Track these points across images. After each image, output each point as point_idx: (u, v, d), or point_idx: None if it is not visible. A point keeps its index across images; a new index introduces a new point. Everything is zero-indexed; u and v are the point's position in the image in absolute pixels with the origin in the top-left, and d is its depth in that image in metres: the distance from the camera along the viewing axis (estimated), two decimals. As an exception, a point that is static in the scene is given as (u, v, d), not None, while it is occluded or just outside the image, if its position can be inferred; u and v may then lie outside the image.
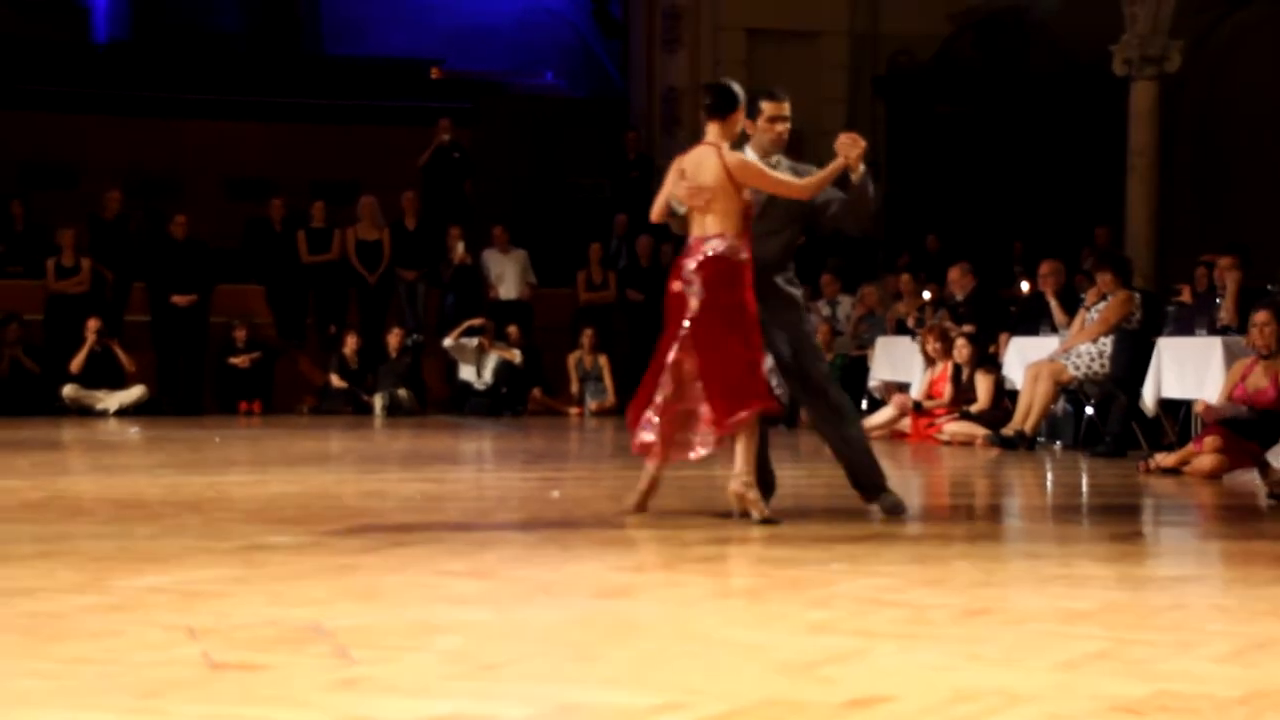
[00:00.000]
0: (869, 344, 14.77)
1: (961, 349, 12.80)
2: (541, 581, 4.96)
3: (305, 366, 16.73)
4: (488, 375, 16.33)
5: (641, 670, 3.54)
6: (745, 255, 6.49)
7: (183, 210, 16.83)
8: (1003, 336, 13.04)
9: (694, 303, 6.44)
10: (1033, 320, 12.94)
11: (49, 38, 20.81)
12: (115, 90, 19.70)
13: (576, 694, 3.30)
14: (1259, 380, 9.54)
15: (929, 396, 12.96)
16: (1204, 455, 9.29)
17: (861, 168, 6.62)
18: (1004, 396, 12.47)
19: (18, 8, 21.36)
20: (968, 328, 13.25)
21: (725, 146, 6.52)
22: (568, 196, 19.37)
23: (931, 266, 15.97)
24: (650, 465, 6.66)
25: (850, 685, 3.35)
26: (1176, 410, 11.14)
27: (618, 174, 19.29)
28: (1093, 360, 11.49)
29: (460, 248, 16.95)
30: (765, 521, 6.31)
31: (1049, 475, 9.98)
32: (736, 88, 6.64)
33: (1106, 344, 11.47)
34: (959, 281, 14.04)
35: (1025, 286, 13.88)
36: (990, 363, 12.79)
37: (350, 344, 16.22)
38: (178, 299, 16.04)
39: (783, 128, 6.76)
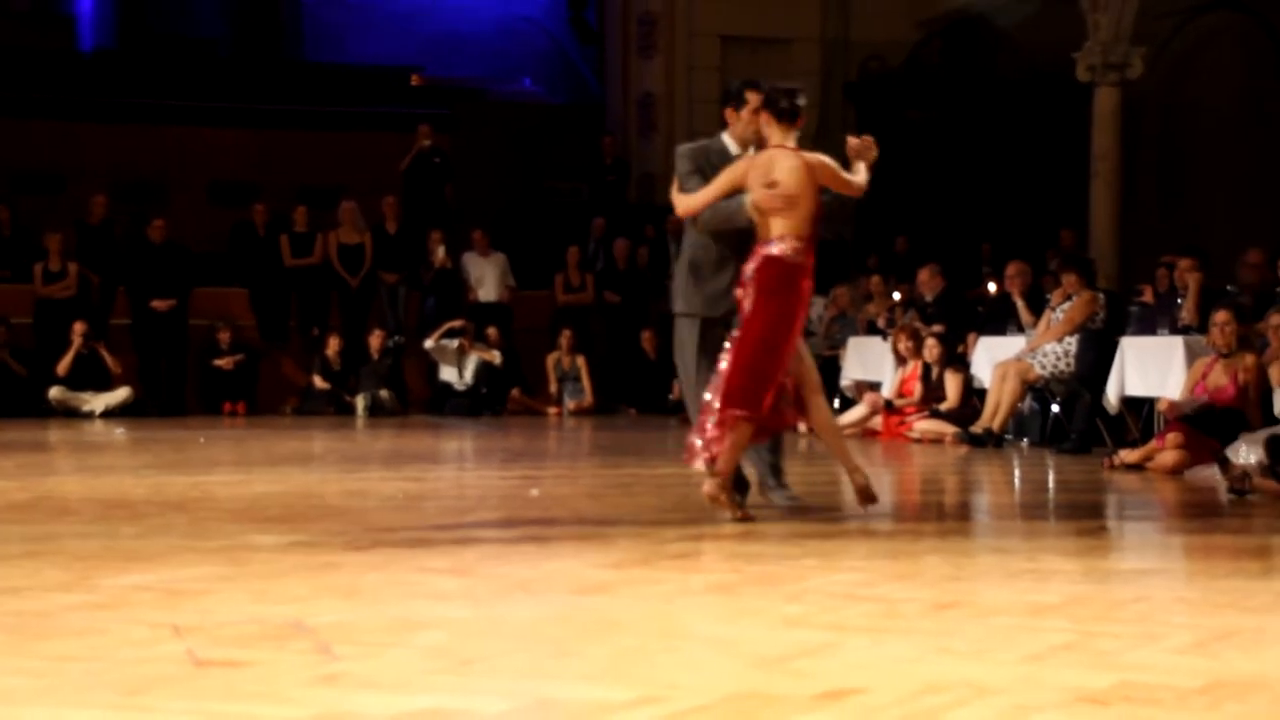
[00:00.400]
0: (841, 344, 14.79)
1: (931, 348, 12.82)
2: (520, 578, 4.95)
3: (288, 368, 16.70)
4: (468, 376, 16.32)
5: (618, 665, 3.54)
6: (804, 259, 6.38)
7: (167, 215, 16.80)
8: (971, 336, 13.07)
9: (746, 305, 6.38)
10: (1000, 320, 12.97)
11: (36, 46, 20.73)
12: (101, 97, 19.63)
13: (555, 689, 3.29)
14: (1219, 378, 9.58)
15: (900, 395, 12.98)
16: (1166, 452, 9.32)
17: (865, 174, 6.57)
18: (972, 395, 12.50)
19: (5, 17, 21.29)
20: (937, 328, 13.27)
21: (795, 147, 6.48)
22: (546, 200, 19.37)
23: (901, 268, 16.00)
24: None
25: (822, 678, 3.35)
26: (1139, 408, 11.17)
27: (595, 178, 19.30)
28: (1058, 359, 11.52)
29: (441, 251, 16.93)
30: (742, 520, 6.30)
31: (1016, 472, 10.00)
32: (803, 98, 6.57)
33: (1071, 343, 11.50)
34: (928, 283, 14.07)
35: (993, 287, 13.92)
36: (959, 362, 12.82)
37: (332, 346, 16.19)
38: (156, 304, 15.99)
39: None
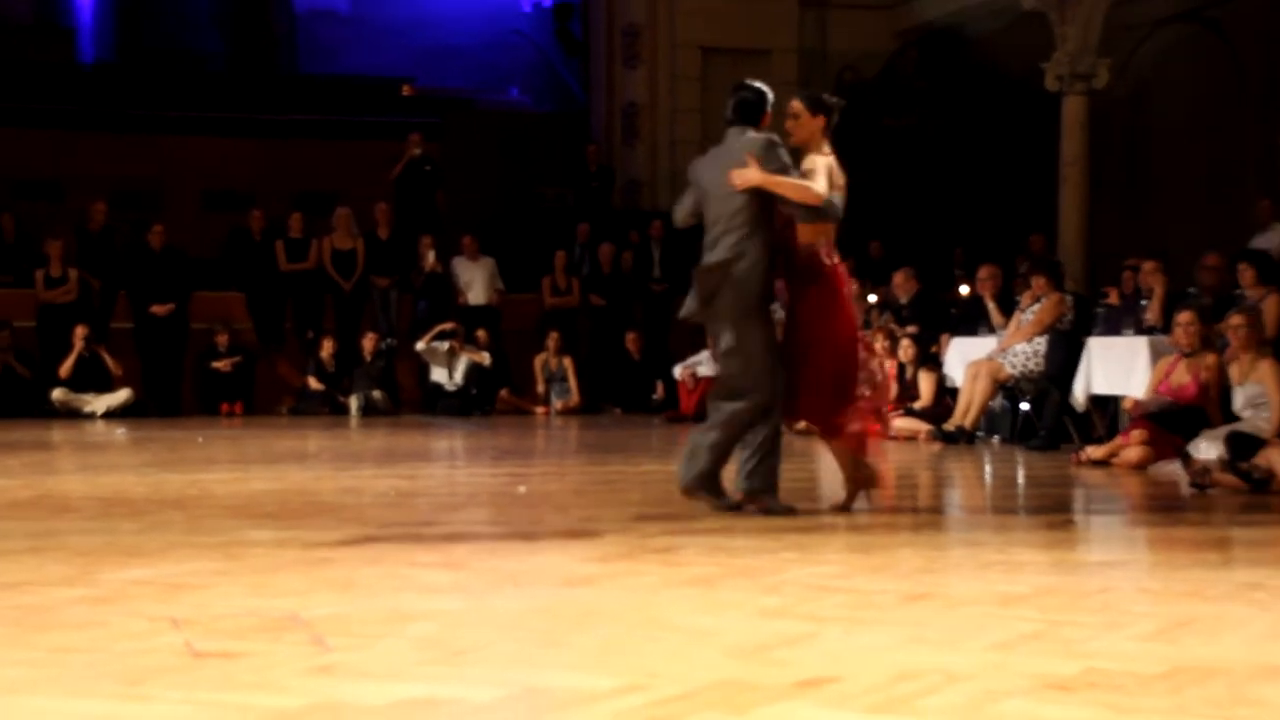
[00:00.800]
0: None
1: (906, 349, 12.85)
2: (509, 572, 4.96)
3: (284, 369, 16.67)
4: (458, 377, 16.31)
5: (603, 655, 3.55)
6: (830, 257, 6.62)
7: (166, 221, 16.77)
8: (944, 337, 13.09)
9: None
10: (972, 321, 13.00)
11: (38, 59, 20.69)
12: (101, 108, 19.60)
13: (542, 678, 3.30)
14: (1182, 377, 9.61)
15: (875, 394, 12.98)
16: (1131, 448, 9.35)
17: None
18: (945, 394, 12.52)
19: (7, 31, 21.24)
20: (911, 329, 13.30)
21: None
22: (533, 207, 19.35)
23: (877, 272, 16.01)
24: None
25: (799, 667, 3.36)
26: (1106, 405, 11.20)
27: (580, 185, 19.28)
28: (1028, 359, 11.55)
29: (431, 257, 16.92)
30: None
31: (987, 468, 10.02)
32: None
33: (1040, 343, 11.52)
34: (903, 285, 14.10)
35: (965, 290, 13.94)
36: (932, 362, 12.84)
37: (327, 348, 16.17)
38: (156, 309, 15.97)
39: None
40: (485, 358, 16.38)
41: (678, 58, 20.22)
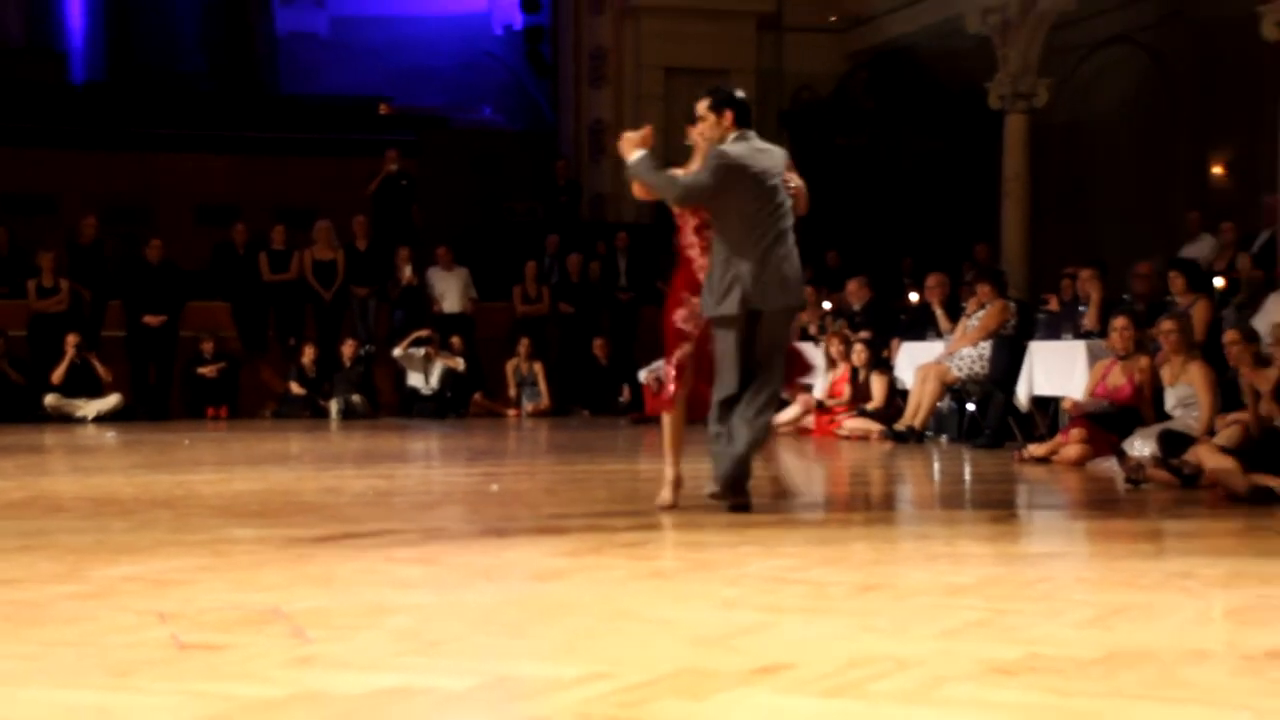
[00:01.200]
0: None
1: (859, 353, 12.88)
2: (481, 566, 4.94)
3: (267, 375, 16.59)
4: (434, 381, 16.27)
5: (571, 645, 3.54)
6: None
7: (153, 235, 16.69)
8: (895, 342, 13.13)
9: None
10: (921, 327, 13.04)
11: (31, 79, 20.57)
12: (92, 127, 19.50)
13: (512, 667, 3.29)
14: (1117, 378, 9.66)
15: (830, 396, 13.03)
16: (1070, 445, 9.40)
17: (633, 159, 6.54)
18: (896, 395, 12.56)
19: (1, 53, 21.11)
20: (864, 334, 13.33)
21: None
22: (504, 219, 19.33)
23: (832, 280, 16.05)
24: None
25: (757, 655, 3.35)
26: (1047, 406, 11.25)
27: (549, 199, 19.28)
28: (973, 362, 11.59)
29: (408, 271, 16.90)
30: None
31: (936, 465, 10.04)
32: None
33: (985, 348, 11.57)
34: (856, 293, 14.14)
35: (914, 297, 13.98)
36: (884, 365, 12.87)
37: (308, 354, 16.11)
38: (149, 319, 15.90)
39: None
40: (459, 363, 16.35)
41: (642, 78, 20.23)
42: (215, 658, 3.35)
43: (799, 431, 12.85)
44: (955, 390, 11.91)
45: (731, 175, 6.27)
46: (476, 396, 16.57)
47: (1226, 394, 8.82)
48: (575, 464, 9.95)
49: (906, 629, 3.69)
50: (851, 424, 12.42)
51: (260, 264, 16.75)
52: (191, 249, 17.32)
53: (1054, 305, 12.63)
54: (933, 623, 3.75)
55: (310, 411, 15.83)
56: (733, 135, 6.39)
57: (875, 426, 12.09)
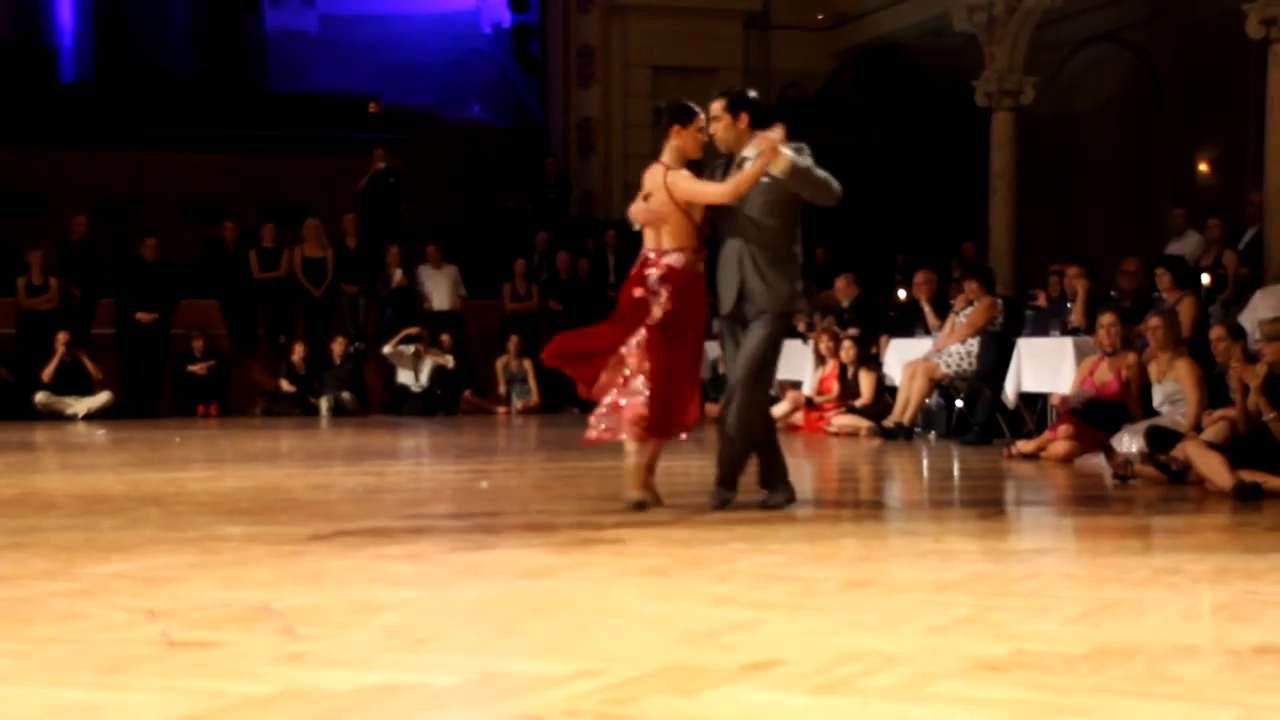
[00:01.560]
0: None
1: (847, 350, 12.88)
2: (470, 563, 4.94)
3: (257, 373, 16.57)
4: (423, 379, 16.26)
5: (560, 642, 3.54)
6: (702, 269, 6.24)
7: (143, 232, 16.68)
8: (883, 338, 13.13)
9: (657, 311, 6.13)
10: (909, 324, 13.05)
11: (20, 78, 20.52)
12: (81, 125, 19.47)
13: (501, 664, 3.28)
14: (1104, 375, 9.67)
15: (819, 393, 13.03)
16: (1058, 442, 9.41)
17: (785, 161, 6.15)
18: (884, 392, 12.56)
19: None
20: (852, 331, 13.34)
21: (673, 163, 6.22)
22: (494, 217, 19.32)
23: (820, 277, 16.04)
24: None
25: (747, 651, 3.36)
26: (1034, 402, 11.26)
27: (538, 196, 19.28)
28: (961, 359, 11.60)
29: (399, 274, 16.89)
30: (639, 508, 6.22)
31: (924, 461, 10.05)
32: (691, 104, 6.31)
33: (973, 344, 11.58)
34: (845, 290, 14.15)
35: (902, 294, 14.00)
36: (872, 362, 12.88)
37: (298, 352, 16.09)
38: (141, 316, 15.88)
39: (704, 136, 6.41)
40: (449, 360, 16.34)
41: (630, 76, 20.24)
42: (205, 655, 3.34)
43: (788, 428, 12.85)
44: (943, 387, 11.92)
45: None
46: (466, 394, 16.56)
47: (1213, 390, 8.84)
48: (564, 461, 9.94)
49: (895, 625, 3.69)
50: (840, 420, 12.42)
51: (250, 262, 16.73)
52: (181, 247, 17.30)
53: (1041, 302, 12.64)
54: (921, 619, 3.75)
55: (300, 409, 15.81)
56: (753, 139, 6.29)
57: (864, 423, 12.10)
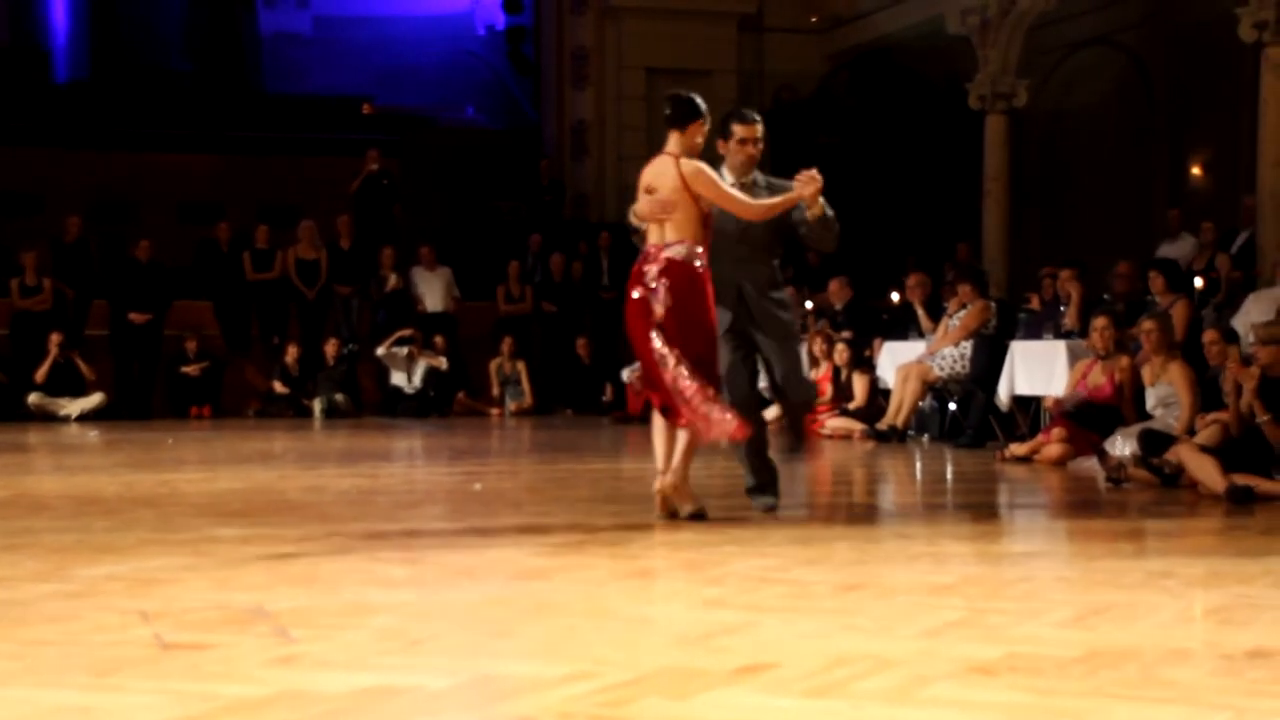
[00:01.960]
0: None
1: (840, 352, 12.89)
2: (464, 565, 4.93)
3: (250, 374, 16.56)
4: (417, 380, 16.25)
5: (554, 644, 3.54)
6: (703, 262, 6.03)
7: (137, 233, 16.66)
8: (876, 341, 13.15)
9: (658, 309, 5.96)
10: (902, 327, 13.06)
11: (14, 78, 20.50)
12: (75, 125, 19.44)
13: (495, 666, 3.28)
14: (1098, 378, 9.69)
15: (811, 395, 13.04)
16: (1051, 445, 9.42)
17: (821, 204, 6.19)
18: (878, 395, 12.57)
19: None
20: (846, 334, 13.35)
21: (683, 156, 6.04)
22: (488, 219, 19.32)
23: (813, 280, 16.06)
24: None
25: (740, 654, 3.35)
26: (1028, 405, 11.28)
27: (532, 198, 19.28)
28: (955, 362, 11.61)
29: (394, 278, 16.91)
30: (694, 516, 5.97)
31: (917, 464, 10.06)
32: (698, 99, 6.14)
33: (967, 347, 11.59)
34: (838, 293, 14.16)
35: (895, 297, 14.01)
36: (866, 365, 12.89)
37: (291, 353, 16.08)
38: (135, 316, 15.87)
39: (754, 149, 6.33)
40: (443, 362, 16.34)
41: (624, 79, 20.24)
42: (198, 657, 3.34)
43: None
44: (937, 389, 11.93)
45: None
46: (460, 395, 16.56)
47: (1206, 393, 8.85)
48: (558, 463, 9.94)
49: (888, 628, 3.69)
50: (834, 423, 12.43)
51: (244, 263, 16.72)
52: (175, 247, 17.29)
53: (1035, 305, 12.66)
54: (914, 622, 3.75)
55: (294, 410, 15.80)
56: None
57: (857, 426, 12.11)
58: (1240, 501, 6.88)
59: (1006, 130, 16.60)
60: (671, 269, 5.97)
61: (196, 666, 3.24)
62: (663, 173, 6.05)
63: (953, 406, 11.84)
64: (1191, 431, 8.42)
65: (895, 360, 12.34)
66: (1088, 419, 9.43)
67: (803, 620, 3.82)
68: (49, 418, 14.87)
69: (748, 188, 6.34)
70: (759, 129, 6.37)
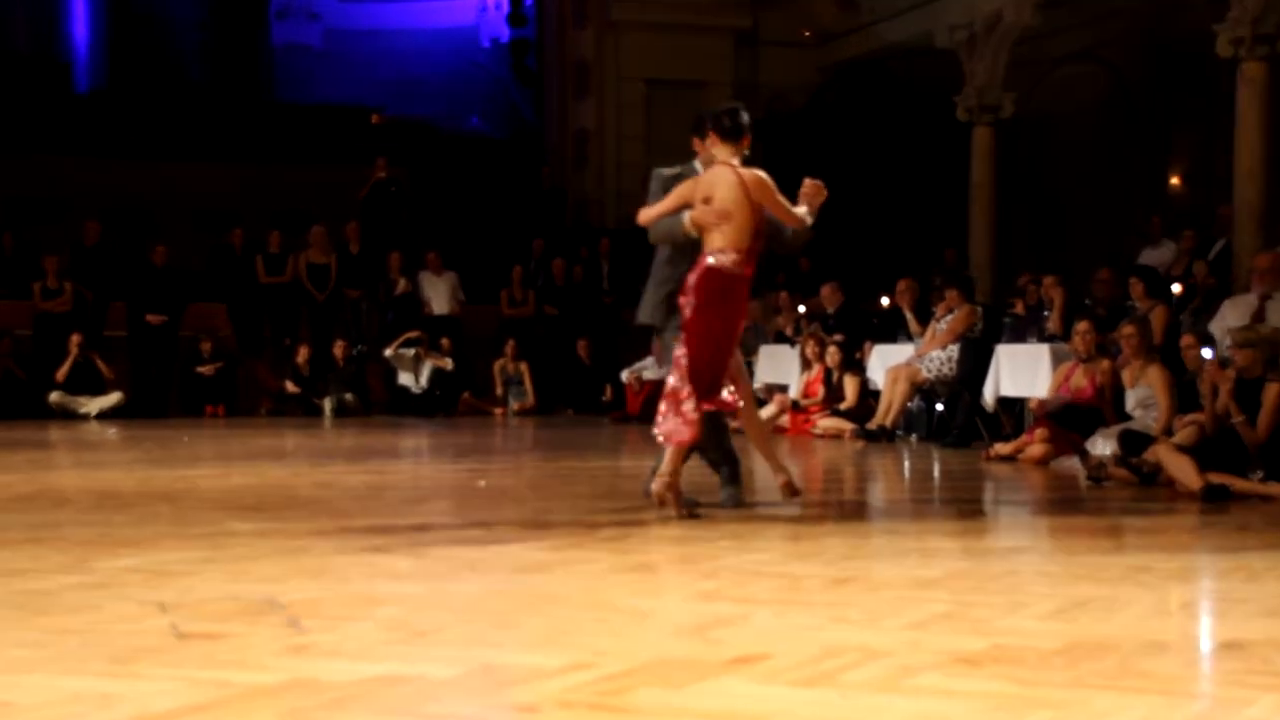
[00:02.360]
0: (753, 351, 14.83)
1: (832, 355, 12.89)
2: (468, 559, 4.93)
3: (263, 374, 16.56)
4: (423, 381, 16.26)
5: (554, 635, 3.54)
6: (747, 271, 5.98)
7: (154, 238, 16.67)
8: (867, 344, 13.14)
9: (688, 312, 5.96)
10: (892, 330, 13.06)
11: (37, 89, 20.51)
12: (95, 134, 19.44)
13: (497, 656, 3.29)
14: (1080, 380, 9.69)
15: (805, 396, 13.04)
16: (1035, 445, 9.42)
17: (810, 216, 6.27)
18: (868, 396, 12.57)
19: (7, 63, 21.03)
20: (837, 336, 13.35)
21: (739, 165, 6.02)
22: (491, 224, 19.33)
23: (806, 284, 16.07)
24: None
25: (734, 645, 3.35)
26: (1012, 406, 11.28)
27: (535, 204, 19.28)
28: (942, 364, 11.61)
29: (403, 282, 16.92)
30: (690, 516, 5.93)
31: (906, 463, 10.05)
32: (746, 115, 6.13)
33: (954, 350, 11.59)
34: (829, 297, 14.16)
35: (885, 301, 14.01)
36: (856, 367, 12.89)
37: (302, 354, 16.09)
38: (152, 318, 15.88)
39: None
40: (448, 363, 16.34)
41: (623, 89, 20.26)
42: (213, 646, 3.34)
43: (775, 430, 12.85)
44: (925, 391, 11.93)
45: None
46: (464, 395, 16.56)
47: (1184, 396, 8.86)
48: (559, 461, 9.94)
49: (877, 621, 3.69)
50: (825, 423, 12.43)
51: (257, 267, 16.74)
52: (190, 252, 17.30)
53: (1019, 309, 12.66)
54: (902, 615, 3.75)
55: (304, 409, 15.80)
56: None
57: (848, 425, 12.11)
58: (1215, 499, 6.89)
59: (992, 141, 16.62)
60: (710, 275, 5.93)
61: (211, 655, 3.25)
62: (721, 182, 5.98)
63: (940, 407, 11.84)
64: (1169, 432, 8.42)
65: (885, 362, 12.34)
66: (1070, 420, 9.43)
67: (794, 613, 3.82)
68: (69, 415, 14.88)
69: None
70: None
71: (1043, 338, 11.02)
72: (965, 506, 7.30)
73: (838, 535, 5.73)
